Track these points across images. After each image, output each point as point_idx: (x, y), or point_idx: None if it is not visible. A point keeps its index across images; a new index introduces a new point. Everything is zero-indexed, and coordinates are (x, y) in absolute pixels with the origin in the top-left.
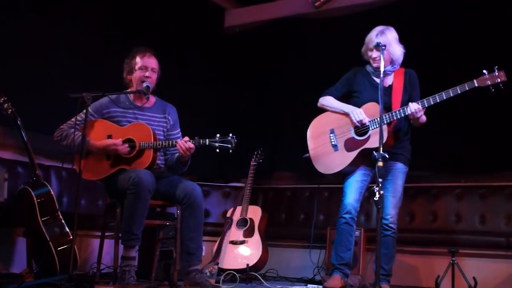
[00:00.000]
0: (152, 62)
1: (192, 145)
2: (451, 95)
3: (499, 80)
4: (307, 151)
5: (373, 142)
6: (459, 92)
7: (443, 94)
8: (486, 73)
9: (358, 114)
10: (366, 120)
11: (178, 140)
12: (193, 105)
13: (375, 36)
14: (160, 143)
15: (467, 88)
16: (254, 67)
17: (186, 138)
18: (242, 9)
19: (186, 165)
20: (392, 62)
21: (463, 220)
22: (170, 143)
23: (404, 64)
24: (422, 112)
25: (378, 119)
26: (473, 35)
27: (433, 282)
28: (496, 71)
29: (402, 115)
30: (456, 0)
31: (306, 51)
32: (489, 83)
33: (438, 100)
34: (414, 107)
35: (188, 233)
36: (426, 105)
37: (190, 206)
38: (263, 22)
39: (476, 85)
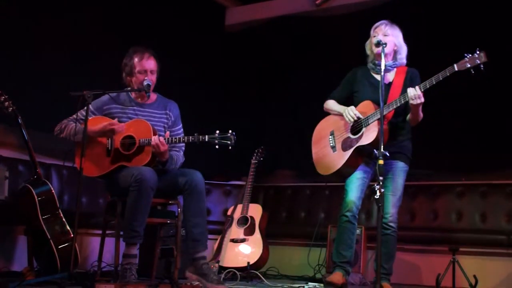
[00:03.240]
0: (151, 63)
1: (162, 141)
2: (434, 82)
3: (478, 62)
4: (312, 156)
5: (366, 138)
6: (441, 78)
7: (426, 83)
8: (467, 56)
9: (350, 111)
10: (358, 114)
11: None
12: (194, 103)
13: (385, 25)
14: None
15: (448, 74)
16: (255, 65)
17: (166, 136)
18: (243, 7)
19: (164, 165)
20: (394, 57)
21: (463, 218)
22: (167, 139)
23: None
24: (421, 100)
25: (371, 116)
26: (474, 29)
27: (434, 280)
28: (477, 52)
29: (399, 103)
30: None
31: (307, 49)
32: (469, 65)
33: (422, 90)
34: (412, 92)
35: (191, 219)
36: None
37: (192, 192)
38: (263, 20)
39: (456, 69)
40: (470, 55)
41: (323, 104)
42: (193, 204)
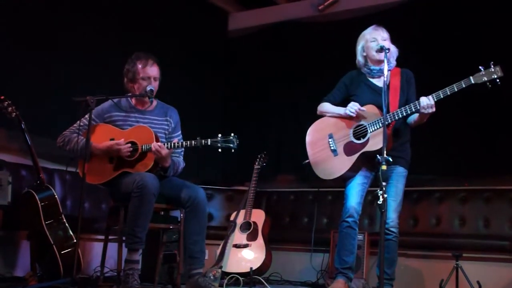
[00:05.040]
0: (154, 70)
1: (162, 146)
2: (448, 93)
3: (495, 76)
4: (307, 157)
5: (373, 144)
6: (455, 90)
7: (440, 93)
8: (483, 69)
9: (352, 106)
10: (359, 106)
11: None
12: (197, 108)
13: (381, 31)
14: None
15: (463, 86)
16: (257, 70)
17: (174, 141)
18: (246, 13)
19: (165, 172)
20: (389, 60)
21: (467, 224)
22: (170, 144)
23: (405, 65)
24: (433, 109)
25: (377, 121)
26: (475, 34)
27: (437, 286)
28: (492, 66)
29: (410, 111)
30: (456, 2)
31: (309, 54)
32: (486, 79)
33: (435, 99)
34: (425, 101)
35: (191, 236)
36: (426, 103)
37: (194, 209)
38: (266, 26)
39: (473, 82)
40: (486, 69)
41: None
42: (193, 222)
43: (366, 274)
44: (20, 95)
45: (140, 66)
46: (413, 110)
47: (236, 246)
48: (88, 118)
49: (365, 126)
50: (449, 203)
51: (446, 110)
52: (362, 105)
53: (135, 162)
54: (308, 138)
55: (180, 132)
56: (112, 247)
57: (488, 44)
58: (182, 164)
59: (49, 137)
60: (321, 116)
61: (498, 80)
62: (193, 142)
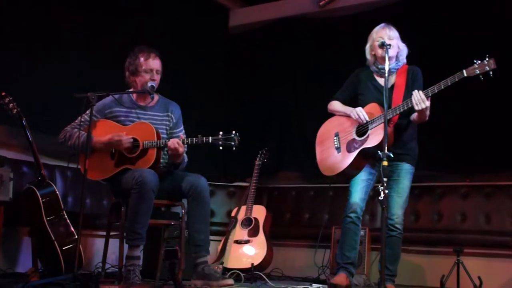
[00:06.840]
0: (156, 63)
1: (180, 144)
2: (442, 87)
3: (488, 68)
4: (315, 156)
5: (371, 141)
6: (449, 83)
7: (435, 87)
8: (477, 62)
9: (358, 112)
10: (366, 116)
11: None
12: (198, 104)
13: (388, 29)
14: (164, 142)
15: (456, 79)
16: (259, 66)
17: (181, 138)
18: (247, 9)
19: (177, 168)
20: (397, 58)
21: (468, 220)
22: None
23: (409, 61)
24: (427, 103)
25: (377, 118)
26: (478, 31)
27: (438, 281)
28: (487, 59)
29: (406, 107)
30: None
31: (310, 50)
32: (478, 71)
33: (430, 94)
34: (416, 98)
35: (194, 225)
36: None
37: (196, 197)
38: (267, 22)
39: (465, 75)
40: (480, 62)
41: (327, 105)
42: (197, 210)
43: (368, 270)
44: (21, 91)
45: (142, 59)
46: (405, 108)
47: (237, 242)
48: (88, 114)
49: (366, 123)
50: (450, 199)
51: (448, 106)
52: (368, 103)
53: (136, 158)
54: (317, 138)
55: (182, 127)
56: (113, 243)
57: (490, 39)
58: (186, 160)
59: (50, 133)
60: (332, 114)
61: (491, 73)
62: (194, 139)
